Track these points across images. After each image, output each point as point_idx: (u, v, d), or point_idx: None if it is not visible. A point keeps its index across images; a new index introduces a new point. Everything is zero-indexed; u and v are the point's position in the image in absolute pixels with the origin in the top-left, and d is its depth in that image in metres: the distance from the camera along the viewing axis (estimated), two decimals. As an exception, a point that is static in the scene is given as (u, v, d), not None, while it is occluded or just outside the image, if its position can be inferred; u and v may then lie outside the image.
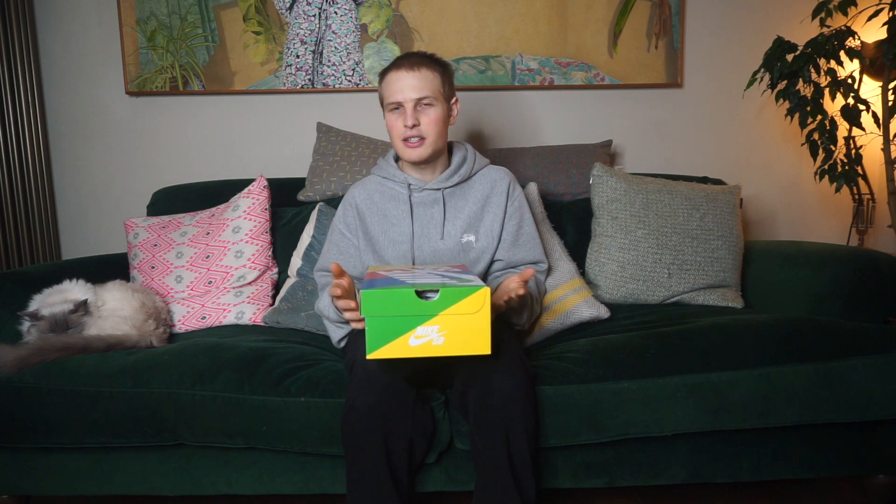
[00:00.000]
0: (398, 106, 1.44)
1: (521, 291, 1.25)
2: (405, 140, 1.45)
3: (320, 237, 1.80)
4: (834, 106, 2.10)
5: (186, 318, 1.71)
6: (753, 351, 1.32)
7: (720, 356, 1.31)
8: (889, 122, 2.02)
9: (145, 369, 1.32)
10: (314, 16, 2.24)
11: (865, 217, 2.28)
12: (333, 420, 1.25)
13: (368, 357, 1.04)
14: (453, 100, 1.52)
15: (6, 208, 2.16)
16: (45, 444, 1.34)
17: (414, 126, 1.43)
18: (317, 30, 2.24)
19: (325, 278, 1.53)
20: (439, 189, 1.51)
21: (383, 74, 1.49)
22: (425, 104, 1.44)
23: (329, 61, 2.26)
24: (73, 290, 1.50)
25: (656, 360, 1.30)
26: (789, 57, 2.04)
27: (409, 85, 1.43)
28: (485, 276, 1.53)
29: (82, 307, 1.46)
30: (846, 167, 2.07)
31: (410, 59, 1.46)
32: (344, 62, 2.26)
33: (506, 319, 1.41)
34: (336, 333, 1.47)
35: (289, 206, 1.99)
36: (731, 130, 2.38)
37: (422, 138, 1.44)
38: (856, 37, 2.00)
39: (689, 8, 2.30)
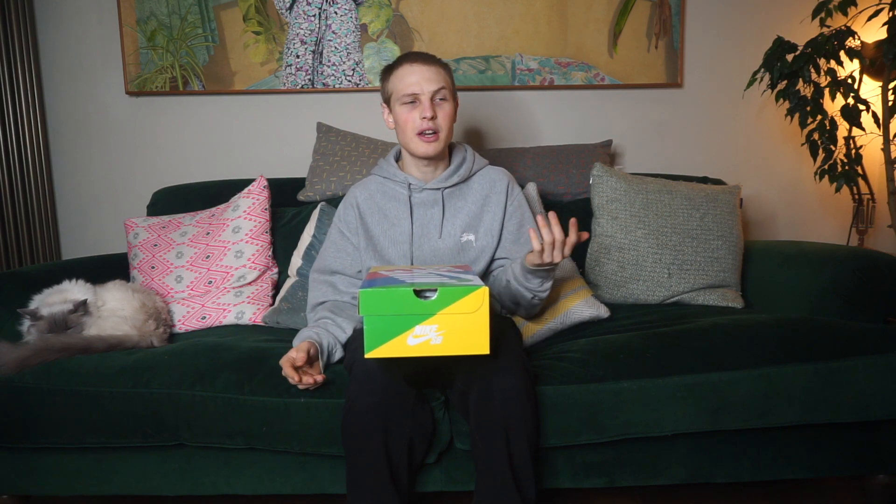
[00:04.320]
0: (413, 99, 1.44)
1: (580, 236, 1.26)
2: (421, 133, 1.44)
3: (321, 236, 1.80)
4: (834, 106, 2.10)
5: (186, 318, 1.71)
6: (753, 351, 1.32)
7: (720, 356, 1.31)
8: (889, 122, 2.02)
9: (145, 369, 1.32)
10: (314, 16, 2.24)
11: (865, 217, 2.28)
12: (333, 420, 1.25)
13: (367, 356, 1.04)
14: (456, 99, 1.53)
15: (6, 208, 2.16)
16: (45, 444, 1.34)
17: (432, 118, 1.43)
18: (317, 30, 2.24)
19: (319, 281, 1.53)
20: (439, 189, 1.52)
21: (392, 69, 1.48)
22: (440, 98, 1.45)
23: (329, 61, 2.26)
24: (73, 290, 1.50)
25: (656, 360, 1.30)
26: (789, 57, 2.04)
27: (427, 77, 1.43)
28: (485, 275, 1.53)
29: (82, 307, 1.45)
30: (846, 167, 2.07)
31: (421, 55, 1.47)
32: (344, 62, 2.26)
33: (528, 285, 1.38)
34: None
35: (289, 206, 1.99)
36: (731, 130, 2.38)
37: (436, 132, 1.45)
38: (856, 37, 2.00)
39: (689, 8, 2.30)
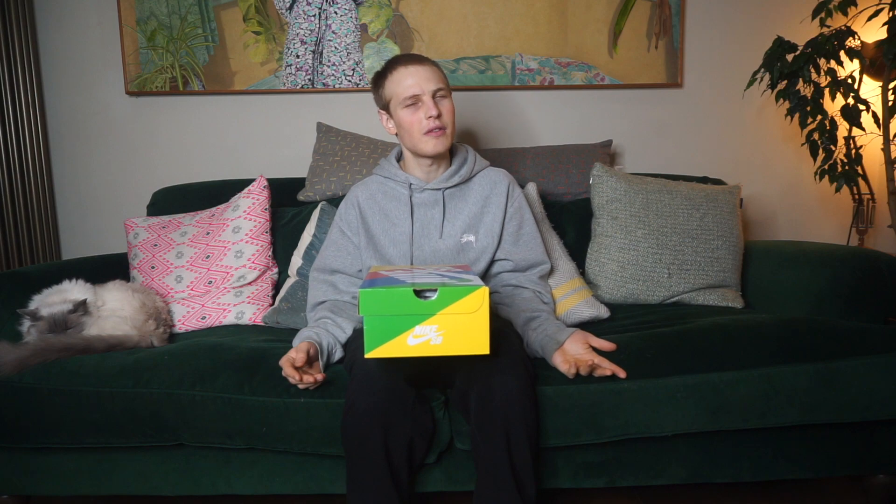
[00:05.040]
0: (415, 101, 1.44)
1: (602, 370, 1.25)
2: (429, 132, 1.44)
3: (321, 236, 1.80)
4: (834, 106, 2.10)
5: (186, 318, 1.71)
6: (753, 351, 1.31)
7: (720, 356, 1.31)
8: (889, 122, 2.02)
9: (145, 369, 1.32)
10: (314, 16, 2.24)
11: (865, 217, 2.28)
12: (333, 421, 1.24)
13: (367, 356, 1.04)
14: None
15: (6, 208, 2.16)
16: (45, 444, 1.34)
17: (438, 115, 1.43)
18: (317, 30, 2.24)
19: (319, 280, 1.53)
20: (440, 189, 1.51)
21: (385, 75, 1.48)
22: (440, 96, 1.45)
23: (329, 61, 2.26)
24: (73, 290, 1.49)
25: (656, 360, 1.30)
26: (789, 57, 2.04)
27: (425, 77, 1.43)
28: (484, 276, 1.53)
29: (81, 307, 1.45)
30: (846, 167, 2.07)
31: (413, 56, 1.47)
32: (344, 62, 2.26)
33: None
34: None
35: (289, 206, 1.99)
36: (731, 130, 2.38)
37: (443, 128, 1.44)
38: (856, 37, 2.00)
39: (689, 8, 2.30)
